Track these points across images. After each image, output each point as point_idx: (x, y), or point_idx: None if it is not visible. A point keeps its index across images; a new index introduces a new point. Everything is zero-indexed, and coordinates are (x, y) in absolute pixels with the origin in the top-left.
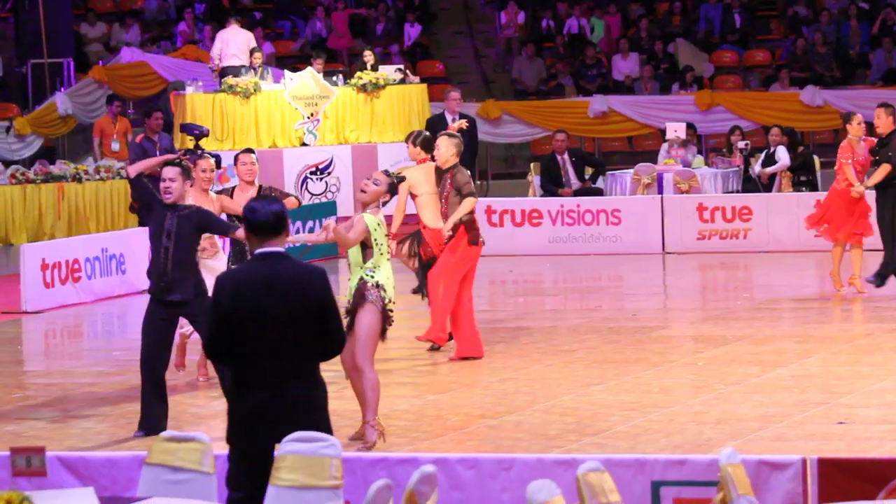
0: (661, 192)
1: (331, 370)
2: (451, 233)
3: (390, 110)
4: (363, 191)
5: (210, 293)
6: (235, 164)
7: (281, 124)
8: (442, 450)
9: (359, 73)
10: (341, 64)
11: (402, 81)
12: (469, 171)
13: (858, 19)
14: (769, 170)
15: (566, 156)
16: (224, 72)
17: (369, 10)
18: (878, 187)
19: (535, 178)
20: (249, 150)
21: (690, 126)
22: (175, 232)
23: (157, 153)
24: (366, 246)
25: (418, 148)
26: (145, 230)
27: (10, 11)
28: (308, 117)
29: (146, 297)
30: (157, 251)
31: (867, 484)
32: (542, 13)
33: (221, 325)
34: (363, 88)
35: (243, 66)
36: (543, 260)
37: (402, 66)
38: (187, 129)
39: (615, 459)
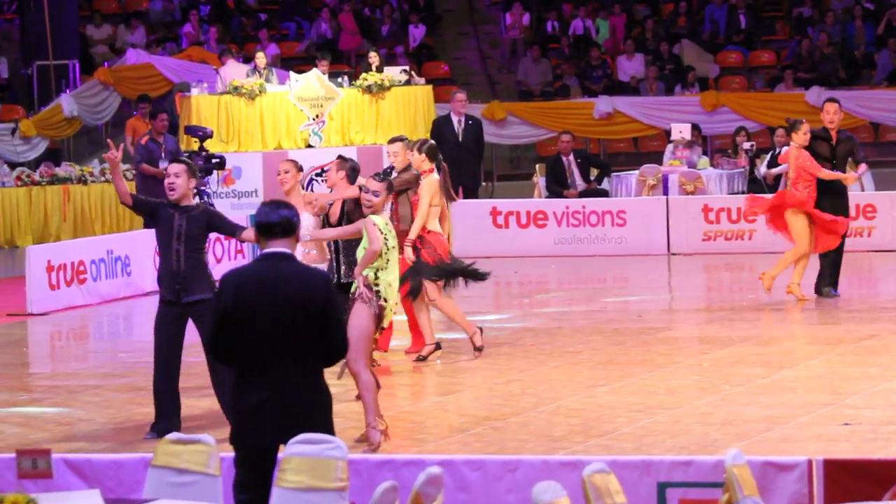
0: (666, 193)
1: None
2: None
3: (395, 112)
4: (369, 205)
5: None
6: (323, 173)
7: (286, 126)
8: (448, 451)
9: (364, 75)
10: (346, 65)
11: (408, 83)
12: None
13: (864, 20)
14: (774, 171)
15: (571, 157)
16: None
17: (373, 11)
18: (821, 191)
19: (540, 180)
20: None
21: (696, 127)
22: (185, 232)
23: (163, 154)
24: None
25: (423, 155)
26: (151, 232)
27: (15, 13)
28: (313, 119)
29: (152, 299)
30: (167, 255)
31: (873, 485)
32: (547, 14)
33: (222, 323)
34: (368, 90)
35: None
36: (549, 261)
37: (407, 68)
38: (191, 130)
39: (621, 461)
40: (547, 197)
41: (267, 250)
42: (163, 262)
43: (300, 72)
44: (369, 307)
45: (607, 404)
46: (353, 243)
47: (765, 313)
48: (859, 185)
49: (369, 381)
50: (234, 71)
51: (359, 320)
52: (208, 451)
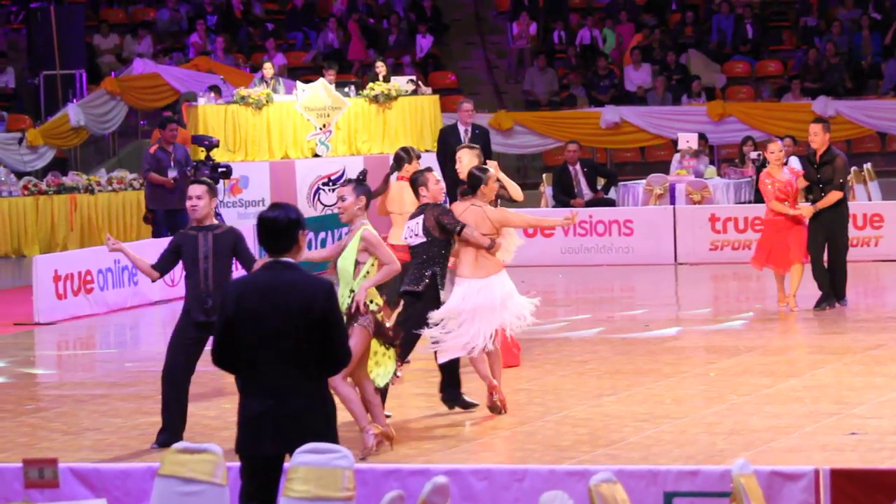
0: (673, 202)
1: None
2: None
3: (402, 121)
4: (341, 213)
5: None
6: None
7: (293, 135)
8: (455, 461)
9: (371, 84)
10: (353, 75)
11: (415, 92)
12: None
13: (870, 30)
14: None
15: (578, 166)
16: None
17: (380, 21)
18: (814, 214)
19: (547, 189)
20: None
21: (702, 136)
22: (213, 252)
23: (171, 164)
24: (358, 261)
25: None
26: (158, 241)
27: (22, 23)
28: (320, 128)
29: (158, 309)
30: (194, 277)
31: (880, 495)
32: (553, 24)
33: (225, 331)
34: (375, 99)
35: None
36: (556, 271)
37: (414, 77)
38: (198, 140)
39: (627, 470)
40: (554, 206)
41: (270, 259)
42: (190, 284)
43: (307, 81)
44: (366, 328)
45: (614, 414)
46: (418, 248)
47: (771, 323)
48: (866, 194)
49: (349, 393)
50: None
51: (353, 343)
52: (215, 460)
